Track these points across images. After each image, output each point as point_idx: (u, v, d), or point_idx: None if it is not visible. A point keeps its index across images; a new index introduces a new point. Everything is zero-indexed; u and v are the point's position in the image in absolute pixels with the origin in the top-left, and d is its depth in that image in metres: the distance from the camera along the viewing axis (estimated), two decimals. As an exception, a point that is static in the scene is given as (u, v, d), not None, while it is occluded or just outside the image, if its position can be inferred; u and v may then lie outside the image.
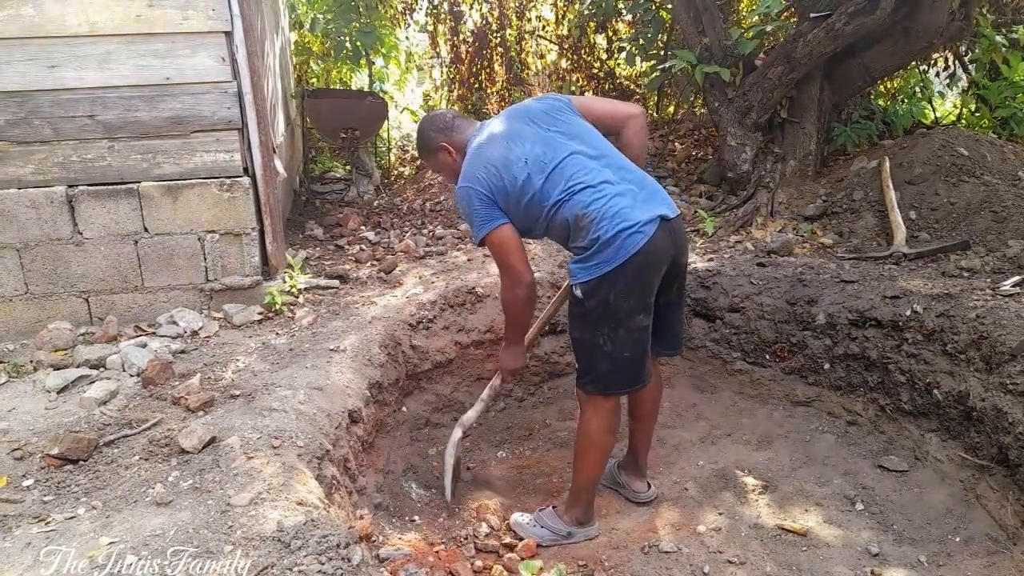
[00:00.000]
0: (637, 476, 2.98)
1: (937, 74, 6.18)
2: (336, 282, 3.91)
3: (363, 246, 4.65)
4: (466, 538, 2.72)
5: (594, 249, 2.34)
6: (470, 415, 2.97)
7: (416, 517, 2.87)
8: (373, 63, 6.74)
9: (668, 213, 2.41)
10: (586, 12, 7.20)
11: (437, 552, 2.58)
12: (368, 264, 4.29)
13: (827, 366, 3.54)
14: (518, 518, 2.79)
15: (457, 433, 2.95)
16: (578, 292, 2.42)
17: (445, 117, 2.66)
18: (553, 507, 2.80)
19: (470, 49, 7.85)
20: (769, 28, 5.21)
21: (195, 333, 3.32)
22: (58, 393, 2.80)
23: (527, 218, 2.47)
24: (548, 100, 2.63)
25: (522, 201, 2.42)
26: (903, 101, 6.03)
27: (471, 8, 7.84)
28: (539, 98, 2.68)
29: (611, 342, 2.44)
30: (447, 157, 2.60)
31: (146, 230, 3.47)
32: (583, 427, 2.62)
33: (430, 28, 7.92)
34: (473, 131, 2.58)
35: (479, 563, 2.53)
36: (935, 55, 6.02)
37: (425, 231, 4.99)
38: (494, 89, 7.96)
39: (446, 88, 8.23)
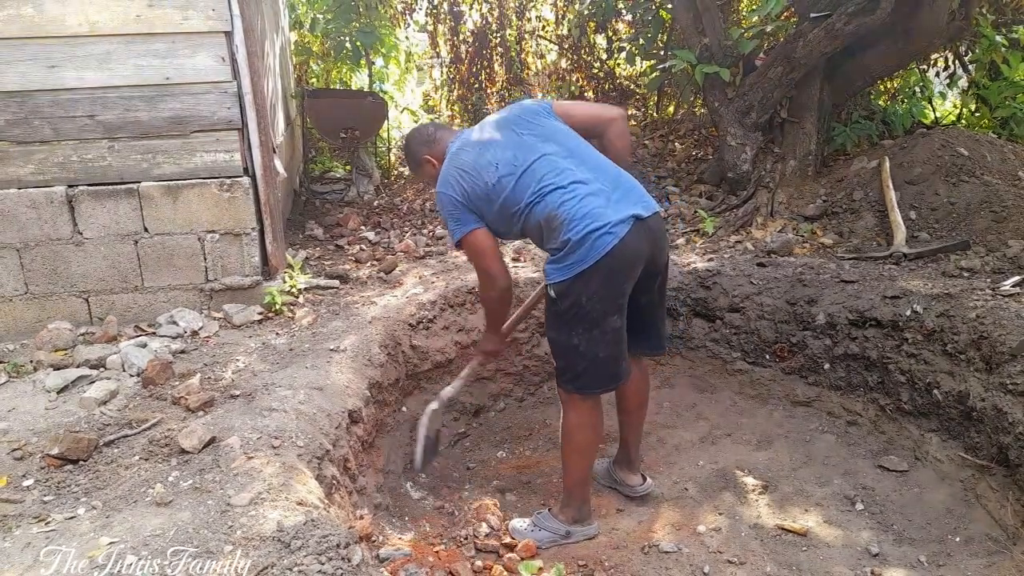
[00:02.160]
0: (630, 471, 2.98)
1: (937, 74, 6.18)
2: (336, 282, 3.91)
3: (363, 246, 4.65)
4: (466, 538, 2.72)
5: (566, 250, 2.36)
6: (447, 391, 2.99)
7: (416, 516, 2.87)
8: (373, 63, 6.74)
9: (642, 212, 2.40)
10: (586, 12, 7.20)
11: (437, 552, 2.58)
12: (368, 264, 4.29)
13: (827, 366, 3.54)
14: (516, 524, 2.79)
15: (433, 405, 2.95)
16: (552, 292, 2.46)
17: (427, 130, 2.74)
18: (548, 509, 2.80)
19: (470, 49, 7.86)
20: (769, 28, 5.22)
21: (195, 333, 3.32)
22: (58, 393, 2.80)
23: (501, 221, 2.51)
24: (527, 105, 2.67)
25: (495, 204, 2.46)
26: (903, 101, 6.03)
27: (471, 8, 7.84)
28: (519, 104, 2.71)
29: (585, 342, 2.45)
30: (430, 168, 2.66)
31: (146, 230, 3.47)
32: (565, 426, 2.64)
33: (430, 28, 7.92)
34: (451, 140, 2.63)
35: (479, 563, 2.53)
36: (935, 55, 6.02)
37: (425, 231, 4.99)
38: (494, 89, 7.96)
39: (446, 88, 8.23)
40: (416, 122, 7.99)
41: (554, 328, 2.55)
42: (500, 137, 2.51)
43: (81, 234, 3.41)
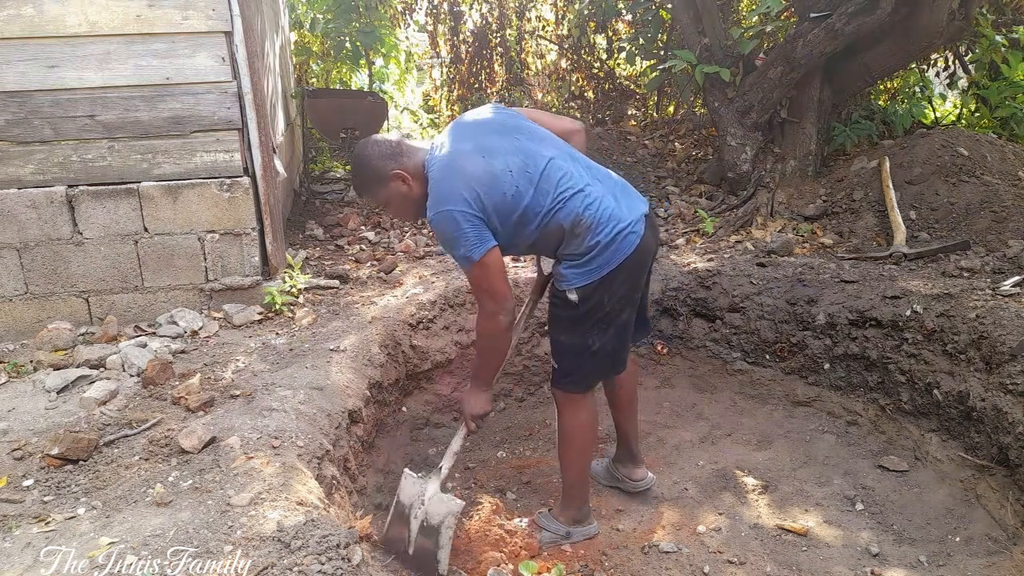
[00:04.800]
0: (633, 464, 2.98)
1: (937, 74, 6.19)
2: (336, 282, 3.91)
3: (363, 246, 4.65)
4: (466, 538, 2.72)
5: (593, 254, 2.33)
6: (444, 472, 2.52)
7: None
8: (373, 63, 6.74)
9: (646, 209, 2.45)
10: (586, 12, 7.21)
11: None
12: (368, 264, 4.29)
13: (827, 366, 3.54)
14: (516, 524, 2.79)
15: (456, 506, 2.39)
16: (573, 297, 2.39)
17: (390, 142, 2.36)
18: (549, 509, 2.81)
19: (470, 49, 7.87)
20: (769, 28, 5.22)
21: (195, 333, 3.32)
22: (58, 393, 2.80)
23: (515, 232, 2.32)
24: (500, 110, 2.47)
25: (512, 215, 2.28)
26: (903, 101, 6.04)
27: (471, 8, 7.85)
28: (490, 108, 2.49)
29: (600, 341, 2.45)
30: (402, 186, 2.32)
31: (146, 230, 3.47)
32: (565, 426, 2.62)
33: (430, 28, 7.93)
34: (424, 153, 2.34)
35: (479, 563, 2.53)
36: (935, 55, 6.02)
37: (425, 231, 4.99)
38: (494, 89, 7.97)
39: (446, 88, 8.24)
40: (416, 122, 7.99)
41: (566, 331, 2.49)
42: (499, 143, 2.30)
43: (81, 234, 3.41)
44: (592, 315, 2.41)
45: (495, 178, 2.24)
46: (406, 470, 2.56)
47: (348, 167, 6.19)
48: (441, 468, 2.52)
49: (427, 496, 2.43)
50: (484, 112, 2.46)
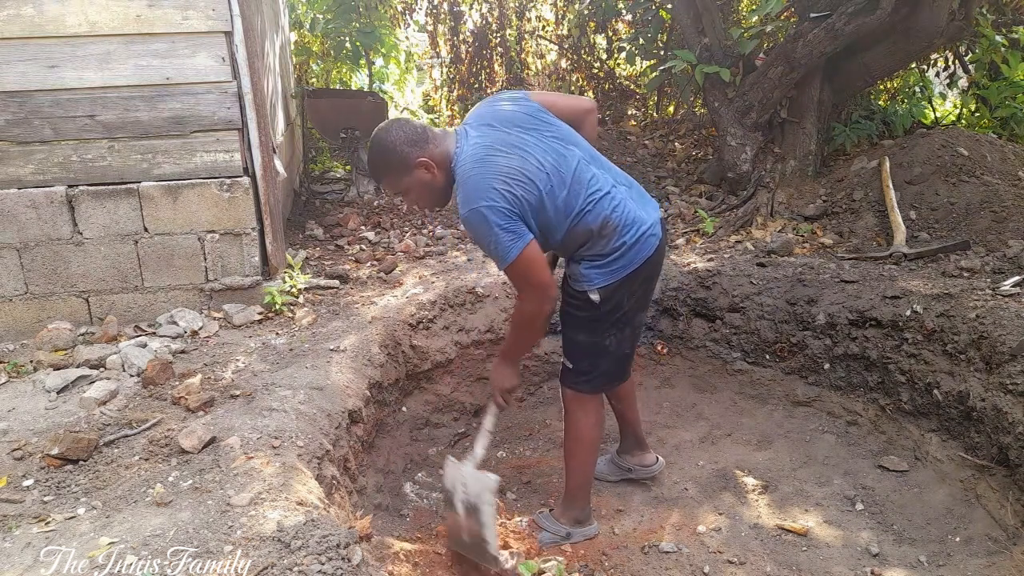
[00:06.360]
0: (642, 450, 3.02)
1: (937, 74, 6.19)
2: (336, 282, 3.91)
3: (363, 246, 4.65)
4: (466, 538, 2.71)
5: (617, 255, 2.35)
6: (479, 452, 2.52)
7: (416, 515, 2.87)
8: (373, 63, 6.74)
9: (660, 213, 2.50)
10: (586, 12, 7.21)
11: (438, 552, 2.58)
12: (368, 264, 4.29)
13: (827, 366, 3.54)
14: (517, 524, 2.79)
15: (491, 481, 2.37)
16: (595, 297, 2.39)
17: (416, 128, 2.29)
18: (550, 510, 2.81)
19: (470, 49, 7.87)
20: (769, 28, 5.22)
21: (195, 333, 3.32)
22: (58, 393, 2.80)
23: (545, 231, 2.30)
24: (521, 101, 2.40)
25: (544, 214, 2.25)
26: (903, 101, 6.04)
27: (471, 8, 7.85)
28: (511, 99, 2.42)
29: (617, 341, 2.49)
30: (426, 174, 2.26)
31: (146, 230, 3.47)
32: (574, 427, 2.63)
33: (430, 28, 7.94)
34: (450, 142, 2.29)
35: (479, 563, 2.53)
36: (935, 55, 6.02)
37: (425, 231, 4.99)
38: (494, 89, 7.97)
39: (446, 88, 8.24)
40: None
41: (585, 331, 2.50)
42: (528, 141, 2.26)
43: (81, 234, 3.41)
44: (612, 315, 2.43)
45: (530, 175, 2.20)
46: (449, 456, 2.56)
47: (348, 167, 6.18)
48: (475, 448, 2.52)
49: (465, 478, 2.42)
50: (507, 104, 2.39)
